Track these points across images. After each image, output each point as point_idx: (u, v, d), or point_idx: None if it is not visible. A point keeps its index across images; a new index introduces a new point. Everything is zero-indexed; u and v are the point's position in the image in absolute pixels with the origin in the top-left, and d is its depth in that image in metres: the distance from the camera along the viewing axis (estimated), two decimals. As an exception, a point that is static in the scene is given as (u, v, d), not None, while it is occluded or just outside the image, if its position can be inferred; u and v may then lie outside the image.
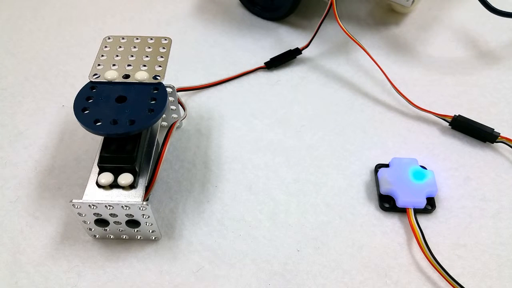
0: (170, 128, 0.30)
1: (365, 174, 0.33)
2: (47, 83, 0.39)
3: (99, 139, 0.28)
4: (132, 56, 0.30)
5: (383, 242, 0.29)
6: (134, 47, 0.31)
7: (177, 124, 0.32)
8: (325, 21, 0.38)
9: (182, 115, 0.34)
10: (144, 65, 0.30)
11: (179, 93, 0.36)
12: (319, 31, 0.38)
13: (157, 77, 0.29)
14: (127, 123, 0.27)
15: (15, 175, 0.33)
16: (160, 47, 0.31)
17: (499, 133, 0.34)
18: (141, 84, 0.29)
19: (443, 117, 0.35)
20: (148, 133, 0.30)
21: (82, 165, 0.33)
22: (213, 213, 0.31)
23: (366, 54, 0.37)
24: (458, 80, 0.39)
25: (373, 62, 0.37)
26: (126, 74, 0.29)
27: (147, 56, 0.30)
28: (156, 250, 0.29)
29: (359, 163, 0.33)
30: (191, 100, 0.38)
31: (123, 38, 0.31)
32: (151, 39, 0.31)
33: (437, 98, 0.37)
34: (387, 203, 0.31)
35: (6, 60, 0.41)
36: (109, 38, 0.31)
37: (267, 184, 0.32)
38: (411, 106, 0.36)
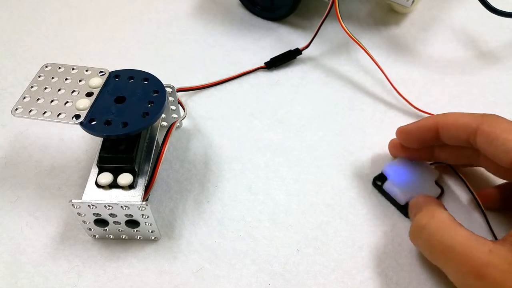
0: (169, 128, 0.30)
1: (365, 174, 0.33)
2: (47, 83, 0.39)
3: (99, 139, 0.28)
4: (59, 90, 0.29)
5: (383, 242, 0.29)
6: (46, 88, 0.29)
7: (177, 124, 0.32)
8: (325, 21, 0.38)
9: (182, 115, 0.34)
10: (80, 80, 0.29)
11: (179, 93, 0.36)
12: (318, 31, 0.39)
13: (103, 73, 0.29)
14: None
15: (15, 175, 0.33)
16: (57, 70, 0.30)
17: None
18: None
19: None
20: (147, 133, 0.30)
21: (82, 165, 0.33)
22: (213, 213, 0.31)
23: (367, 54, 0.37)
24: (458, 80, 0.39)
25: (374, 63, 0.37)
26: (87, 93, 0.28)
27: (66, 80, 0.29)
28: (156, 250, 0.29)
29: (359, 163, 0.33)
30: (191, 100, 0.38)
31: (25, 96, 0.28)
32: (41, 74, 0.30)
33: (437, 98, 0.37)
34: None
35: (6, 60, 0.41)
36: (17, 109, 0.28)
37: (267, 184, 0.32)
38: (418, 110, 0.36)
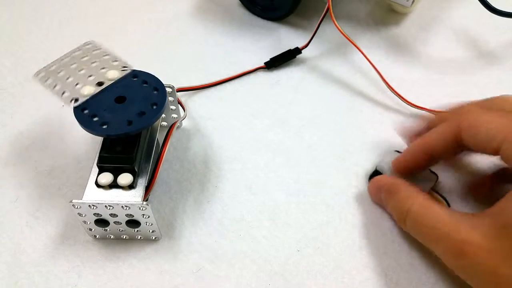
0: (170, 128, 0.30)
1: (365, 174, 0.33)
2: (47, 83, 0.39)
3: (99, 139, 0.28)
4: (81, 70, 0.29)
5: (383, 242, 0.29)
6: (73, 64, 0.29)
7: (177, 124, 0.32)
8: (325, 21, 0.38)
9: (182, 115, 0.34)
10: (103, 68, 0.29)
11: (179, 93, 0.36)
12: (318, 31, 0.38)
13: (125, 68, 0.29)
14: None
15: (15, 175, 0.33)
16: (92, 51, 0.30)
17: None
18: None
19: (436, 113, 0.35)
20: (147, 133, 0.30)
21: (82, 165, 0.33)
22: (213, 213, 0.31)
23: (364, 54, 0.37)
24: (458, 80, 0.39)
25: (374, 61, 0.37)
26: (99, 82, 0.28)
27: (93, 62, 0.29)
28: (156, 250, 0.29)
29: (359, 163, 0.33)
30: (191, 100, 0.38)
31: (53, 65, 0.29)
32: (79, 49, 0.30)
33: (437, 98, 0.37)
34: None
35: (6, 60, 0.41)
36: (40, 73, 0.29)
37: (267, 184, 0.32)
38: (411, 106, 0.36)
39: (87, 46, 0.30)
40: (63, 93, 0.27)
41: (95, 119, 0.27)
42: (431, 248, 0.26)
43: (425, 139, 0.29)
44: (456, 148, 0.27)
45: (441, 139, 0.28)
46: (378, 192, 0.30)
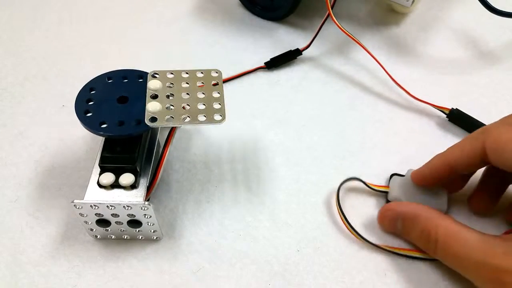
0: (172, 129, 0.30)
1: (366, 174, 0.33)
2: (47, 83, 0.39)
3: (99, 139, 0.28)
4: (190, 94, 0.28)
5: (383, 242, 0.29)
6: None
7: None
8: (325, 20, 0.38)
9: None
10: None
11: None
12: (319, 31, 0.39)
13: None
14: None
15: (15, 175, 0.33)
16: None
17: None
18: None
19: (440, 109, 0.36)
20: (149, 133, 0.30)
21: (82, 165, 0.33)
22: (213, 213, 0.31)
23: (367, 54, 0.37)
24: (458, 80, 0.39)
25: (374, 61, 0.37)
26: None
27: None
28: (156, 250, 0.29)
29: (359, 163, 0.33)
30: (191, 100, 0.38)
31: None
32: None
33: (438, 99, 0.37)
34: None
35: (6, 60, 0.41)
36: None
37: (267, 184, 0.32)
38: (411, 103, 0.36)
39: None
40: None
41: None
42: (466, 276, 0.25)
43: (448, 155, 0.28)
44: (481, 165, 0.27)
45: (465, 156, 0.27)
46: (393, 222, 0.29)
